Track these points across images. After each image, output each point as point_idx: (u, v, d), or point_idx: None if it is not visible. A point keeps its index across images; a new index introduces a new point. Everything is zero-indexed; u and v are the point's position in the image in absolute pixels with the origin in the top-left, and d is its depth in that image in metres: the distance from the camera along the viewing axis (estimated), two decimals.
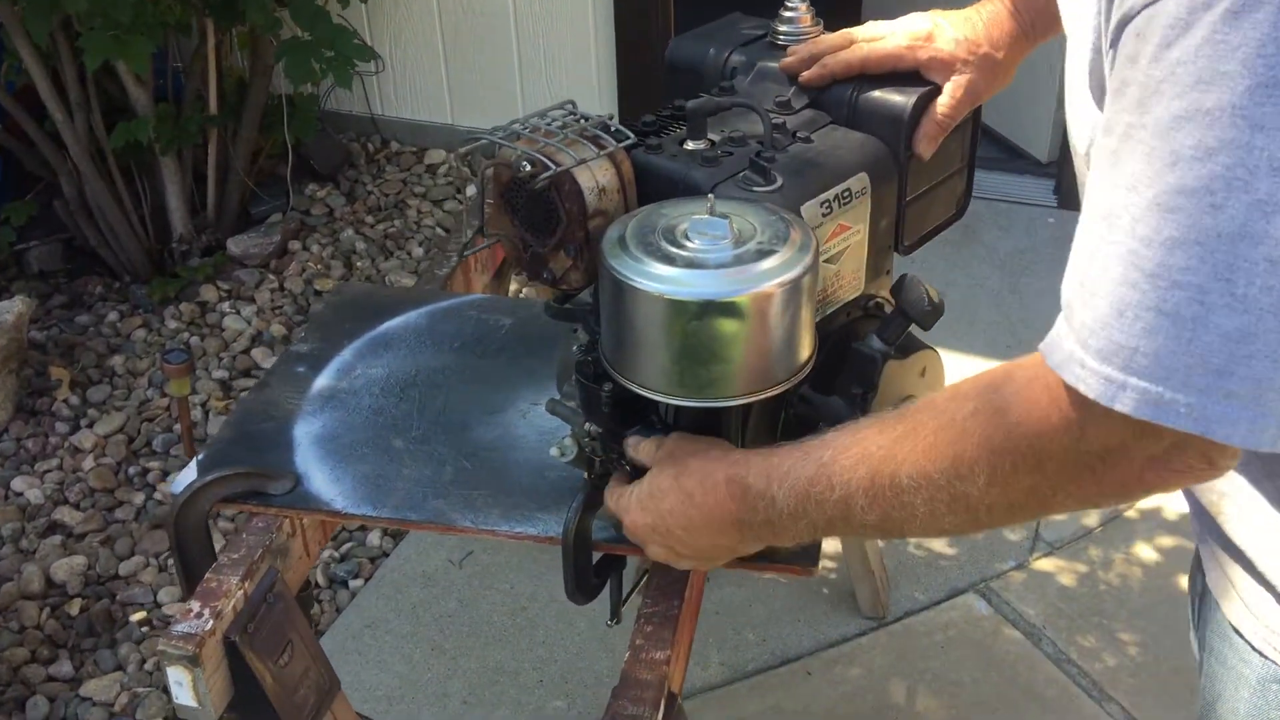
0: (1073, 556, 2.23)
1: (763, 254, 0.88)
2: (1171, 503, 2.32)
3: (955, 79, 1.06)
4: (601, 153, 1.00)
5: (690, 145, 1.05)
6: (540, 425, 1.36)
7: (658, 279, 0.88)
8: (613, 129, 1.03)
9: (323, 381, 1.45)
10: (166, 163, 2.95)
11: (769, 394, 0.91)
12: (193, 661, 1.12)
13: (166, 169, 2.96)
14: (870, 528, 0.84)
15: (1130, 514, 2.31)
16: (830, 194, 1.01)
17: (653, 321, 0.89)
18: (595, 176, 1.00)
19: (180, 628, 1.13)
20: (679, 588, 1.18)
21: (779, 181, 0.99)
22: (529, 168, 1.00)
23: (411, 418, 1.38)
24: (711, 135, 1.06)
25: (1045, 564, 2.21)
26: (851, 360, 1.02)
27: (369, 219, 3.26)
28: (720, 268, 0.87)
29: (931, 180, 1.13)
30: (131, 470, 2.48)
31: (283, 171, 3.26)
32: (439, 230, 3.20)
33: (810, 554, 1.15)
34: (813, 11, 1.16)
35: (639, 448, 1.03)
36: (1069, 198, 3.21)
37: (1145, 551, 2.23)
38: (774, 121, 1.05)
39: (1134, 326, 0.61)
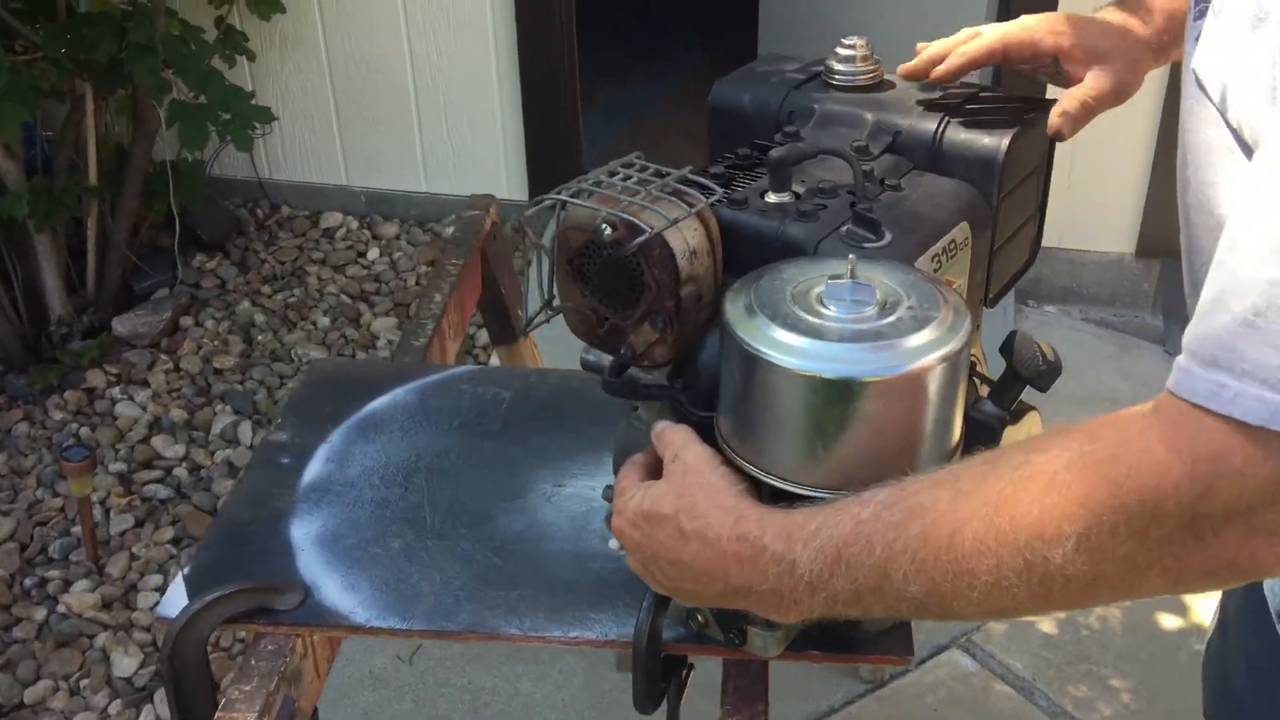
0: None
1: (919, 322, 0.78)
2: None
3: (1098, 70, 0.98)
4: (692, 210, 0.90)
5: (772, 198, 0.95)
6: (569, 510, 1.24)
7: (804, 355, 0.77)
8: (697, 182, 0.93)
9: (313, 473, 1.29)
10: (40, 239, 2.71)
11: None
12: None
13: (40, 246, 2.72)
14: (906, 602, 0.72)
15: None
16: (939, 247, 0.93)
17: (795, 403, 0.78)
18: (685, 238, 0.89)
19: None
20: (760, 690, 1.06)
21: (888, 236, 0.90)
22: (610, 231, 0.89)
23: (422, 510, 1.24)
24: (794, 186, 0.96)
25: None
26: (966, 428, 0.93)
27: (265, 289, 3.06)
28: (877, 340, 0.77)
29: (1014, 226, 1.06)
30: (28, 582, 2.23)
31: (167, 243, 3.04)
32: (343, 298, 3.03)
33: (904, 641, 1.05)
34: (871, 47, 1.08)
35: (662, 435, 0.90)
36: None
37: None
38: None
39: None
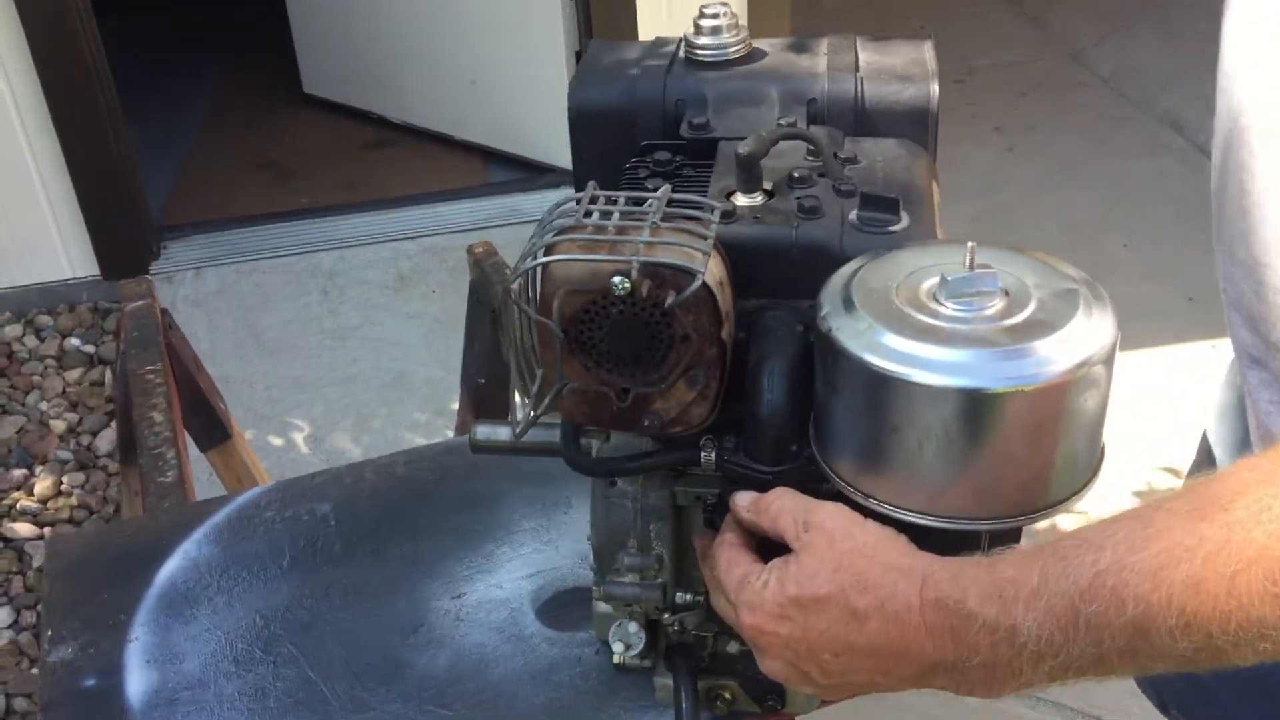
0: None
1: (1066, 311, 0.67)
2: None
3: None
4: (711, 236, 0.74)
5: (744, 200, 0.81)
6: (488, 622, 1.03)
7: (957, 370, 0.65)
8: (686, 201, 0.77)
9: (140, 686, 0.98)
10: None
11: (1078, 498, 0.71)
12: None
13: None
14: (1168, 660, 0.62)
15: None
16: (938, 216, 0.84)
17: (954, 424, 0.66)
18: (713, 271, 0.73)
19: None
20: None
21: (905, 216, 0.79)
22: (626, 284, 0.71)
23: (312, 683, 0.98)
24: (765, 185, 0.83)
25: None
26: None
27: None
28: (1031, 339, 0.66)
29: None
30: None
31: None
32: None
33: None
34: (735, 15, 0.95)
35: (765, 506, 0.74)
36: None
37: None
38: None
39: None
